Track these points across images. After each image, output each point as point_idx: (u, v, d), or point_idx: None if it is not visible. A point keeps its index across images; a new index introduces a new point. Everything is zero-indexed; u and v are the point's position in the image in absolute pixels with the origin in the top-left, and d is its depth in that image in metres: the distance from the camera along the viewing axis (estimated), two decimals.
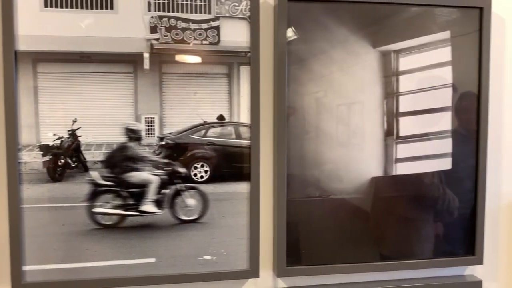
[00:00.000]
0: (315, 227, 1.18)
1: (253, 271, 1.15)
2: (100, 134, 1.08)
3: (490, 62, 1.22)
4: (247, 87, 1.13)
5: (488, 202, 1.27)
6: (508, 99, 1.29)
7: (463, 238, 1.26)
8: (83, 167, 1.08)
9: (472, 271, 1.31)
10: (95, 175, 1.08)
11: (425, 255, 1.24)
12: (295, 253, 1.17)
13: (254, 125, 1.13)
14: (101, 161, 1.08)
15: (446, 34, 1.21)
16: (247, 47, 1.12)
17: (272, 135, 1.17)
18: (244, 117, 1.14)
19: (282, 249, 1.15)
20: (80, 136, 1.07)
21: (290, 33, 1.14)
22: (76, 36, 1.05)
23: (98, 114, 1.07)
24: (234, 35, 1.12)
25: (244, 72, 1.13)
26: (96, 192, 1.08)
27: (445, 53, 1.21)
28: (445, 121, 1.23)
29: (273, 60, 1.16)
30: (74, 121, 1.06)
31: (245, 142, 1.14)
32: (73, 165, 1.07)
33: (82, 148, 1.07)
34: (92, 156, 1.08)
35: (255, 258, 1.15)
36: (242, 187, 1.14)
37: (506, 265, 1.33)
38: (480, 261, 1.26)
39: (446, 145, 1.23)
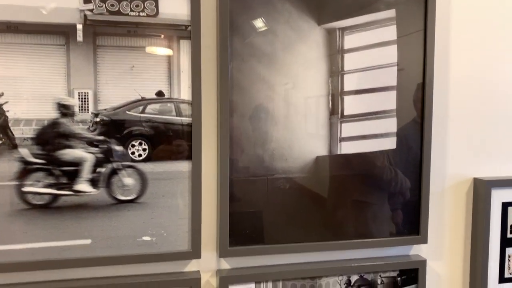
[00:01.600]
0: (259, 207, 1.16)
1: (194, 252, 1.12)
2: (30, 109, 1.02)
3: (435, 41, 1.23)
4: (188, 62, 1.09)
5: (433, 183, 1.28)
6: (453, 79, 1.30)
7: (408, 218, 1.27)
8: (12, 144, 1.02)
9: (417, 251, 1.32)
10: (24, 152, 1.02)
11: (370, 235, 1.24)
12: (239, 234, 1.15)
13: (195, 102, 1.10)
14: (31, 138, 1.03)
15: (391, 13, 1.20)
16: (188, 21, 1.08)
17: (215, 113, 1.14)
18: (185, 93, 1.10)
19: (225, 229, 1.13)
20: (8, 111, 1.01)
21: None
22: (2, 4, 0.99)
23: (27, 88, 1.02)
24: (174, 7, 1.08)
25: (185, 47, 1.09)
26: (26, 170, 1.03)
27: (390, 32, 1.20)
28: (390, 100, 1.22)
29: (215, 35, 1.12)
30: (1, 95, 1.00)
31: (186, 120, 1.10)
32: (0, 142, 1.02)
33: (10, 124, 1.01)
34: (21, 132, 1.02)
35: (196, 239, 1.12)
36: (183, 166, 1.11)
37: (450, 245, 1.35)
38: (424, 240, 1.27)
39: (390, 125, 1.23)
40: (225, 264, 1.19)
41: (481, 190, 1.32)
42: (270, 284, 1.18)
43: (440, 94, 1.29)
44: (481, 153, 1.35)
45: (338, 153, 1.20)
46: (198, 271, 1.16)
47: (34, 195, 1.04)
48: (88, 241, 1.07)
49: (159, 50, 1.08)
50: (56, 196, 1.05)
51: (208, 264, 1.17)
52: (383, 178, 1.24)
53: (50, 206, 1.05)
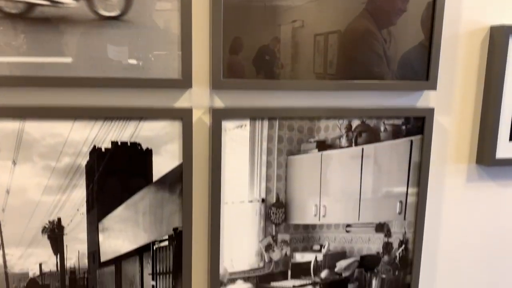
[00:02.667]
0: (258, 40, 1.07)
1: (185, 81, 1.04)
2: None
3: None
4: None
5: (446, 28, 1.18)
6: None
7: (418, 65, 1.17)
8: None
9: (426, 103, 1.23)
10: None
11: (375, 78, 1.15)
12: (233, 67, 1.06)
13: None
14: None
15: None
16: None
17: None
18: None
19: (218, 57, 1.04)
20: None
21: None
22: None
23: None
24: None
25: None
26: None
27: None
28: None
29: None
30: None
31: None
32: None
33: None
34: None
35: (187, 67, 1.03)
36: None
37: (460, 97, 1.26)
38: (433, 86, 1.18)
39: None
40: (219, 102, 1.11)
41: (498, 37, 1.21)
42: (266, 123, 1.11)
43: None
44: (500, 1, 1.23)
45: None
46: (190, 106, 1.08)
47: (7, 2, 0.94)
48: (69, 60, 0.99)
49: None
50: (31, 5, 0.95)
51: (200, 100, 1.09)
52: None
53: (25, 17, 0.95)
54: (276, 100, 1.12)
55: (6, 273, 1.03)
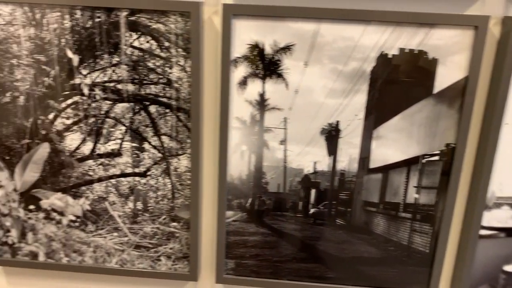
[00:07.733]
0: None
1: None
2: None
3: None
4: None
5: None
6: None
7: None
8: None
9: None
10: None
11: None
12: None
13: None
14: None
15: None
16: None
17: None
18: None
19: None
20: None
21: None
22: None
23: None
24: None
25: None
26: None
27: None
28: None
29: None
30: None
31: None
32: None
33: None
34: None
35: None
36: None
37: None
38: None
39: None
40: None
41: None
42: None
43: None
44: None
45: None
46: (485, 13, 1.00)
47: None
48: None
49: None
50: None
51: (495, 7, 1.00)
52: None
53: None
54: None
55: (285, 167, 1.12)
